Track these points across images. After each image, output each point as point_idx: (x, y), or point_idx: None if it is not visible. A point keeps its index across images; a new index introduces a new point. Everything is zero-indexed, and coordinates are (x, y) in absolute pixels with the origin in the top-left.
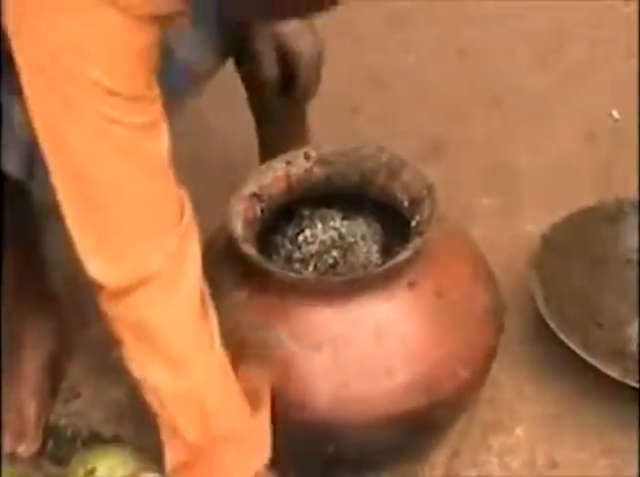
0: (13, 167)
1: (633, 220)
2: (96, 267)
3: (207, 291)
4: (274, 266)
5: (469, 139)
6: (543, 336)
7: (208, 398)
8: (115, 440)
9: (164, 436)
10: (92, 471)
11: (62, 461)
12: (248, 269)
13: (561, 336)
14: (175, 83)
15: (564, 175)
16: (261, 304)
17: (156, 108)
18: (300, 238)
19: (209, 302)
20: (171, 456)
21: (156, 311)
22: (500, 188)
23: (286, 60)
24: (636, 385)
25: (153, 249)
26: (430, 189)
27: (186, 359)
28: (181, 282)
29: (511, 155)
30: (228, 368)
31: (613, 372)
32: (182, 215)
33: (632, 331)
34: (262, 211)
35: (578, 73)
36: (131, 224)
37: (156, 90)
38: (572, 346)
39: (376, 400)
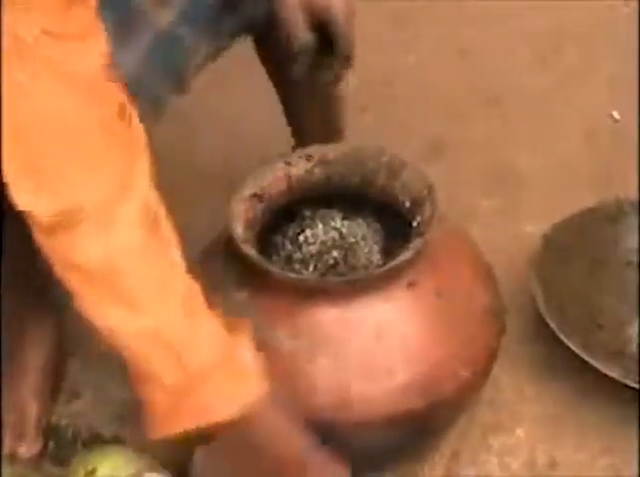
0: None
1: (633, 220)
2: (25, 196)
3: (164, 214)
4: (274, 267)
5: (469, 139)
6: (543, 336)
7: (175, 332)
8: (116, 441)
9: (138, 389)
10: (93, 472)
11: (62, 462)
12: (249, 270)
13: (562, 336)
14: (157, 91)
15: (565, 175)
16: (261, 305)
17: (87, 18)
18: (301, 238)
19: (167, 225)
20: (150, 408)
21: (95, 247)
22: (500, 188)
23: (319, 22)
24: (636, 385)
25: (88, 175)
26: (431, 189)
27: (141, 294)
28: (126, 209)
29: (511, 155)
30: (197, 296)
31: (613, 372)
32: (126, 137)
33: (632, 331)
34: (263, 211)
35: (578, 73)
36: (58, 148)
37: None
38: (572, 346)
39: (376, 401)
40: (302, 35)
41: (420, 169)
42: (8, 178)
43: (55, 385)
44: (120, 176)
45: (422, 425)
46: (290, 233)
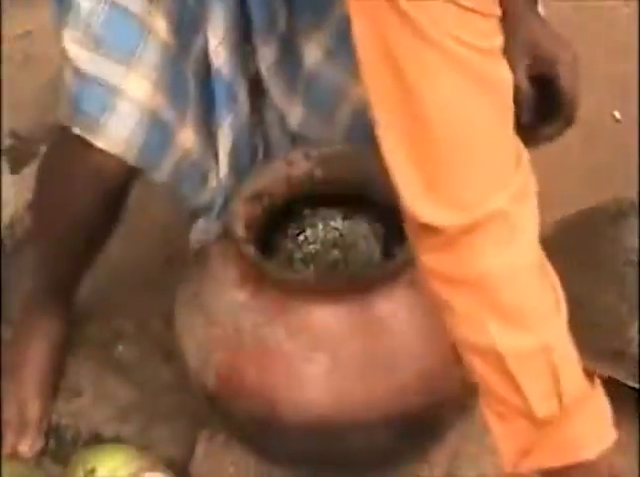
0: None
1: (633, 220)
2: (429, 208)
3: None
4: (275, 267)
5: None
6: None
7: (560, 355)
8: (116, 440)
9: (497, 427)
10: (93, 471)
11: (63, 460)
12: (249, 270)
13: None
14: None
15: (565, 175)
16: (262, 304)
17: (500, 35)
18: (301, 237)
19: (547, 264)
20: (508, 447)
21: (496, 256)
22: None
23: (543, 74)
24: (636, 385)
25: (494, 185)
26: None
27: (530, 312)
28: (522, 226)
29: None
30: (567, 327)
31: (614, 372)
32: (520, 150)
33: (633, 332)
34: (263, 211)
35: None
36: (470, 156)
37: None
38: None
39: (376, 401)
40: (521, 84)
41: None
42: (410, 196)
43: (55, 383)
44: (518, 186)
45: (422, 425)
46: (290, 232)
